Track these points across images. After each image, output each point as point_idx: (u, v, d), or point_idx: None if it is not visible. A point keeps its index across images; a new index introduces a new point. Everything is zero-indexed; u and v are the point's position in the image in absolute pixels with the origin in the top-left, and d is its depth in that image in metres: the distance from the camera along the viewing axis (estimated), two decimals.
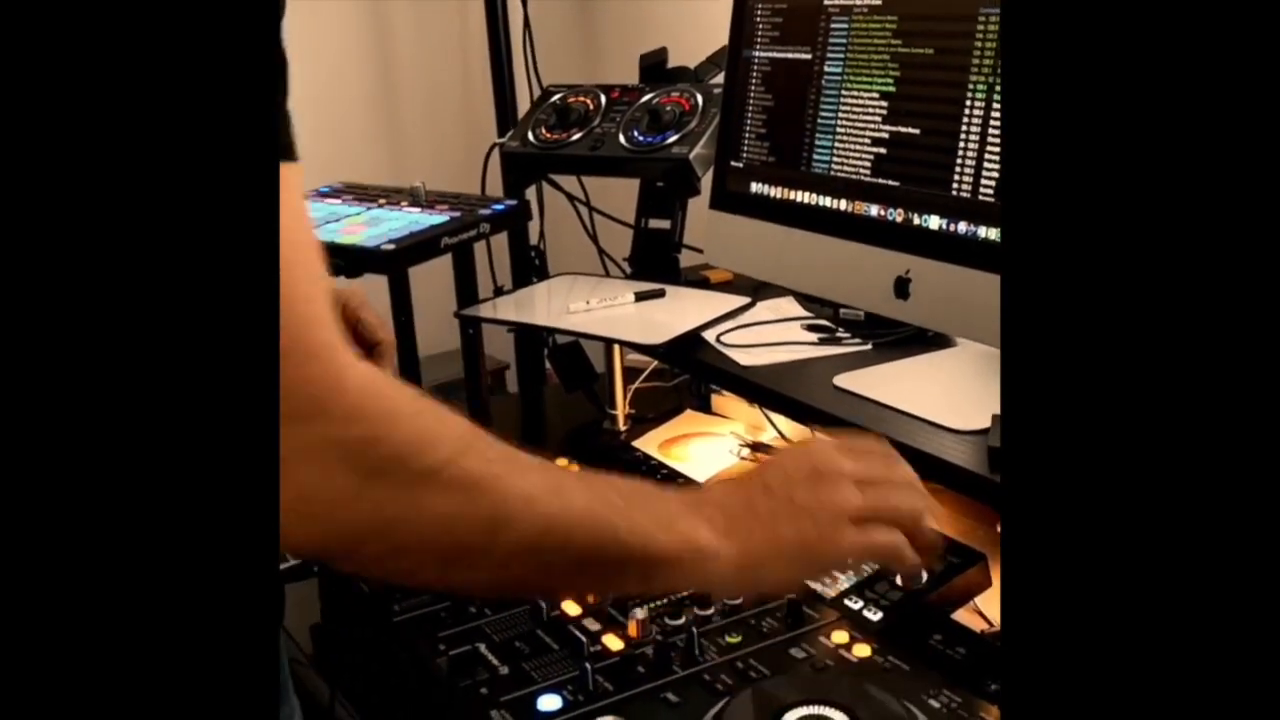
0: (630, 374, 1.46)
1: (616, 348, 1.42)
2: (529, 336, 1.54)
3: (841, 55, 1.10)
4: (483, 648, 0.87)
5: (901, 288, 1.04)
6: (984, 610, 0.96)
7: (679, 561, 0.63)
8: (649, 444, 1.33)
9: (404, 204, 1.33)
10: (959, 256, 0.98)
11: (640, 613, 0.88)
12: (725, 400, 1.42)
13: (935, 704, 0.78)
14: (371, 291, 1.39)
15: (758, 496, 0.67)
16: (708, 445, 1.35)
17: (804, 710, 0.76)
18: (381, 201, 1.36)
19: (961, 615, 0.93)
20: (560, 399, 1.52)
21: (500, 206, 1.29)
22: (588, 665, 0.83)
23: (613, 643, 0.86)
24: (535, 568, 0.59)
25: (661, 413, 1.43)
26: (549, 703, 0.80)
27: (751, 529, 0.65)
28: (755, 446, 1.30)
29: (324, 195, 1.43)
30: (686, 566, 0.63)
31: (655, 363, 1.47)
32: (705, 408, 1.44)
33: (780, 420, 1.30)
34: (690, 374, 1.43)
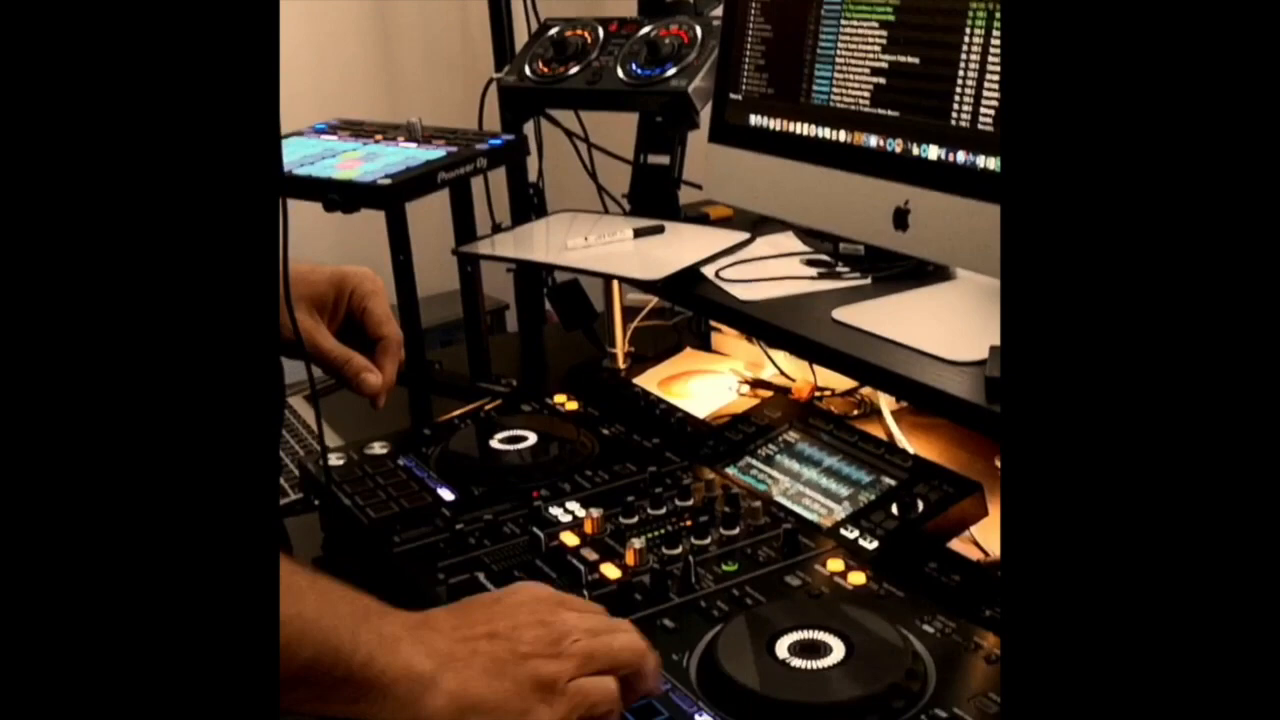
0: (630, 313, 1.46)
1: (616, 286, 1.41)
2: (528, 275, 1.54)
3: None
4: (482, 577, 0.88)
5: (900, 219, 1.03)
6: (980, 540, 0.97)
7: (394, 688, 0.61)
8: (649, 382, 1.33)
9: (400, 139, 1.32)
10: (958, 187, 0.97)
11: (638, 542, 0.89)
12: (725, 338, 1.42)
13: (929, 629, 0.79)
14: (369, 228, 1.40)
15: (483, 636, 0.66)
16: (707, 383, 1.35)
17: (799, 635, 0.77)
18: (378, 137, 1.35)
19: (957, 545, 0.94)
20: (560, 338, 1.52)
21: (497, 141, 1.28)
22: (585, 593, 0.83)
23: (610, 571, 0.87)
24: None
25: (661, 351, 1.43)
26: None
27: (473, 669, 0.64)
28: (755, 384, 1.31)
29: (320, 132, 1.42)
30: (402, 695, 0.62)
31: (655, 301, 1.46)
32: (705, 346, 1.44)
33: (780, 358, 1.30)
34: (689, 309, 1.43)
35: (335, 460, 1.08)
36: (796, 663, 0.74)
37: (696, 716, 0.71)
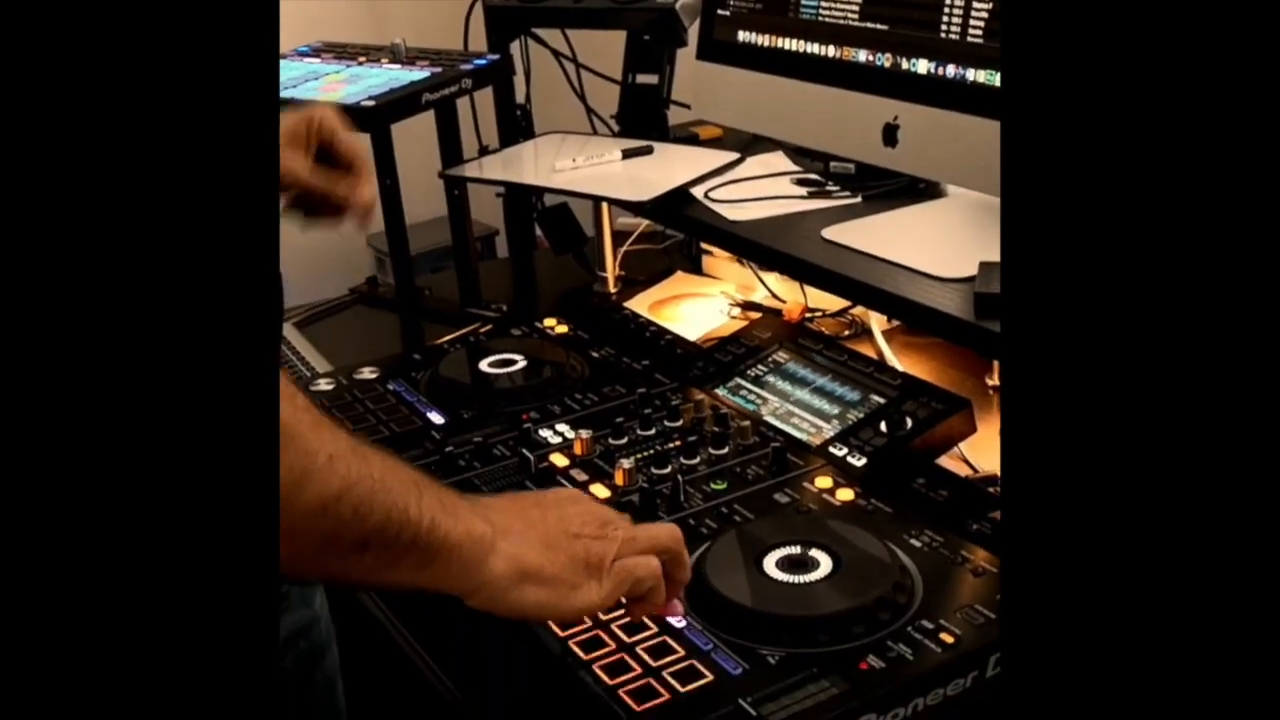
0: (620, 236, 1.45)
1: (605, 209, 1.40)
2: (517, 200, 1.52)
3: None
4: None
5: (889, 135, 1.02)
6: (968, 456, 0.97)
7: (459, 550, 0.61)
8: (639, 306, 1.33)
9: (384, 61, 1.30)
10: (947, 101, 0.96)
11: (627, 462, 0.89)
12: (716, 261, 1.42)
13: (917, 544, 0.79)
14: None
15: (536, 516, 0.66)
16: (698, 306, 1.34)
17: (786, 550, 0.77)
18: (361, 59, 1.33)
19: (946, 461, 0.94)
20: (551, 263, 1.51)
21: (482, 61, 1.26)
22: None
23: (600, 491, 0.87)
24: (323, 537, 0.56)
25: (652, 275, 1.42)
26: None
27: (528, 540, 0.64)
28: (746, 306, 1.30)
29: (302, 55, 1.40)
30: (466, 558, 0.62)
31: (645, 224, 1.45)
32: (696, 269, 1.44)
33: (771, 280, 1.30)
34: (678, 231, 1.42)
35: (325, 385, 1.08)
36: (784, 577, 0.75)
37: (686, 633, 0.72)
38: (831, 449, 0.92)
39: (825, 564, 0.75)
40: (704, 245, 1.41)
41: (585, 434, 0.93)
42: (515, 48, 1.46)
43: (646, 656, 0.70)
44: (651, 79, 1.36)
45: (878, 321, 1.18)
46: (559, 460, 0.92)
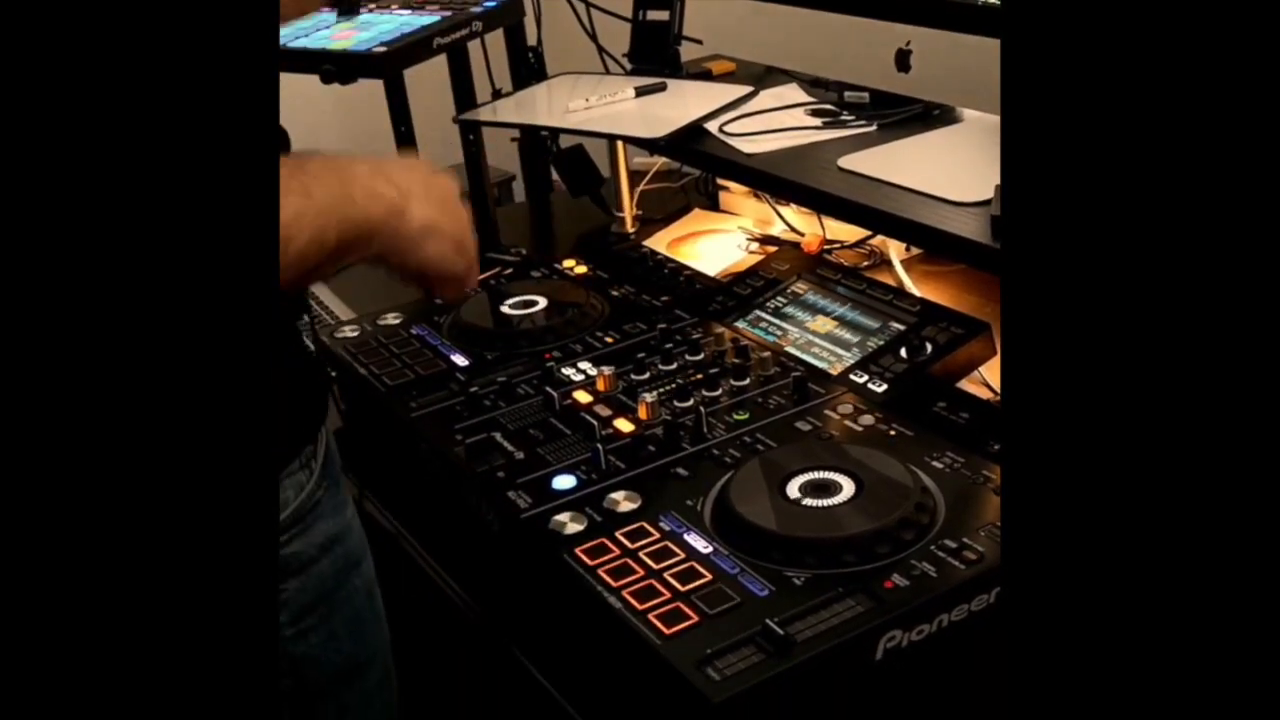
0: (636, 176, 1.45)
1: (620, 149, 1.40)
2: (533, 143, 1.52)
3: None
4: (498, 436, 0.89)
5: (903, 60, 1.02)
6: (989, 379, 0.97)
7: (383, 225, 0.68)
8: (658, 244, 1.33)
9: (394, 7, 1.30)
10: (958, 23, 0.95)
11: (650, 396, 0.90)
12: (733, 197, 1.41)
13: (939, 465, 0.80)
14: (369, 101, 1.38)
15: (428, 179, 0.72)
16: (716, 242, 1.34)
17: (809, 475, 0.78)
18: (371, 6, 1.33)
19: (966, 385, 0.94)
20: (568, 205, 1.51)
21: (492, 3, 1.26)
22: (599, 447, 0.85)
23: (623, 426, 0.88)
24: (301, 271, 0.63)
25: (669, 213, 1.42)
26: (564, 482, 0.83)
27: (430, 200, 0.70)
28: (764, 240, 1.30)
29: None
30: (387, 229, 0.68)
31: (661, 163, 1.45)
32: (713, 205, 1.44)
33: (789, 213, 1.30)
34: (694, 166, 1.42)
35: (350, 332, 1.10)
36: (808, 502, 0.76)
37: (713, 558, 0.73)
38: (852, 376, 0.92)
39: (848, 487, 0.76)
40: (720, 181, 1.41)
41: (608, 370, 0.94)
42: None
43: (675, 582, 0.71)
44: (662, 15, 1.36)
45: (896, 251, 1.18)
46: (582, 397, 0.93)
